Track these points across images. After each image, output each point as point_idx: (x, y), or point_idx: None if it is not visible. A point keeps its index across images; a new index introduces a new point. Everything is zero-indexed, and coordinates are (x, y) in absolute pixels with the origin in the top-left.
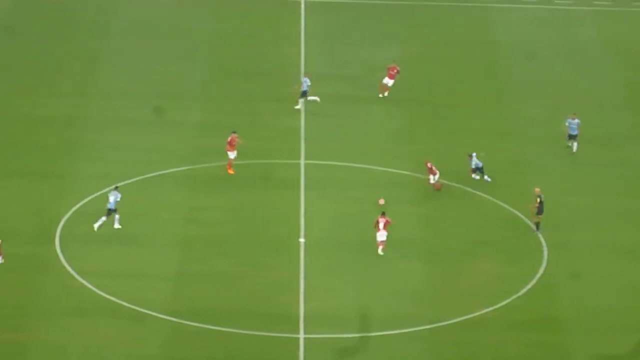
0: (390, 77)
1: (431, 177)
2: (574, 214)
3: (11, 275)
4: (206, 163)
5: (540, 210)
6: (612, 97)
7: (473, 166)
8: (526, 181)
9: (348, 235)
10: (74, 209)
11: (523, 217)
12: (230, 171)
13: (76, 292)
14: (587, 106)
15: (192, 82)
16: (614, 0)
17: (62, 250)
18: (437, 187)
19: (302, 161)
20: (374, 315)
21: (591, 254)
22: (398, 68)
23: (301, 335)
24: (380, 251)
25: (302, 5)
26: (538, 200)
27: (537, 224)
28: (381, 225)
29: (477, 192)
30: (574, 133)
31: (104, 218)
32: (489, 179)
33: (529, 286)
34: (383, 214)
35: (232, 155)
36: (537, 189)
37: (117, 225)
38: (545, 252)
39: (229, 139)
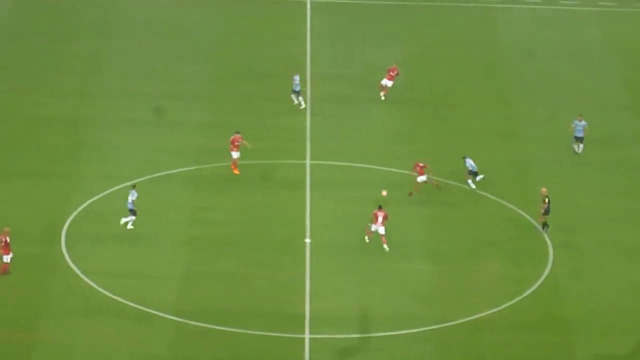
0: (390, 79)
1: (419, 176)
2: (579, 215)
3: (17, 275)
4: (212, 163)
5: (547, 211)
6: (616, 98)
7: (469, 168)
8: (530, 181)
9: (354, 236)
10: (79, 209)
11: (528, 217)
12: (236, 171)
13: (82, 292)
14: (591, 107)
15: (197, 83)
16: (619, 1)
17: (68, 250)
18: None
19: (308, 161)
20: (379, 315)
21: (597, 255)
22: (398, 70)
23: (307, 336)
24: (377, 242)
25: (308, 6)
26: (546, 200)
27: (545, 224)
28: (380, 219)
29: (481, 192)
30: (580, 135)
31: (132, 217)
32: (481, 177)
33: (534, 287)
34: (380, 207)
35: (235, 155)
36: (544, 189)
37: (128, 225)
38: (551, 253)
39: (231, 138)
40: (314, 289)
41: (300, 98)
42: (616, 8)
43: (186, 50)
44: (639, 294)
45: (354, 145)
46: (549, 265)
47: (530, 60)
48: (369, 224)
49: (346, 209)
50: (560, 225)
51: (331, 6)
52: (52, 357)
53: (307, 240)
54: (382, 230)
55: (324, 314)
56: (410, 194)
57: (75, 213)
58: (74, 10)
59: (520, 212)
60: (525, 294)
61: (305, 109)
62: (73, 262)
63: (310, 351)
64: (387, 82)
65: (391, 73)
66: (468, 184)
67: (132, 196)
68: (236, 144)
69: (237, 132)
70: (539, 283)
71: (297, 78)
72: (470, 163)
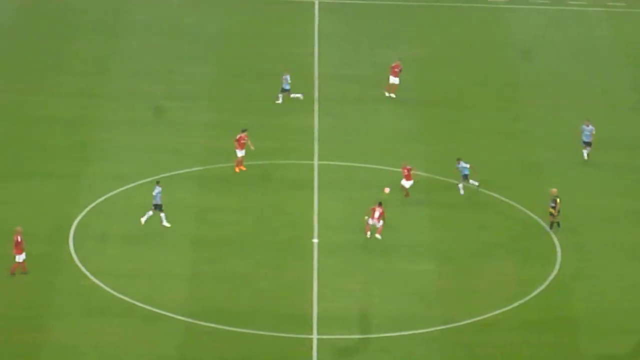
0: (395, 75)
1: (404, 181)
2: (587, 215)
3: (25, 275)
4: (219, 164)
5: (558, 211)
6: (625, 99)
7: (462, 172)
8: (537, 182)
9: (360, 237)
10: (87, 209)
11: (536, 217)
12: (237, 169)
13: (90, 292)
14: (600, 107)
15: (202, 83)
16: (628, 2)
17: (75, 250)
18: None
19: (316, 162)
20: (385, 316)
21: (605, 256)
22: (401, 66)
23: (314, 336)
24: (374, 235)
25: (316, 6)
26: (558, 200)
27: (556, 224)
28: (377, 214)
29: (489, 193)
30: (588, 140)
31: (150, 213)
32: (476, 184)
33: (541, 287)
34: (380, 204)
35: (240, 153)
36: (554, 190)
37: (143, 219)
38: (559, 254)
39: (238, 137)
40: (322, 289)
41: (292, 95)
42: (625, 9)
43: (192, 50)
44: None
45: (362, 145)
46: (557, 266)
47: (539, 60)
48: (366, 217)
49: (353, 210)
50: (568, 226)
51: (339, 6)
52: (59, 357)
53: (315, 241)
54: (378, 224)
55: (331, 315)
56: (407, 194)
57: (82, 213)
58: (78, 10)
59: (527, 212)
60: (532, 295)
61: (313, 109)
62: (80, 262)
63: (318, 351)
64: (393, 80)
65: (395, 70)
66: (458, 189)
67: (156, 191)
68: (242, 142)
69: (244, 131)
70: (546, 283)
71: (287, 77)
72: (463, 166)
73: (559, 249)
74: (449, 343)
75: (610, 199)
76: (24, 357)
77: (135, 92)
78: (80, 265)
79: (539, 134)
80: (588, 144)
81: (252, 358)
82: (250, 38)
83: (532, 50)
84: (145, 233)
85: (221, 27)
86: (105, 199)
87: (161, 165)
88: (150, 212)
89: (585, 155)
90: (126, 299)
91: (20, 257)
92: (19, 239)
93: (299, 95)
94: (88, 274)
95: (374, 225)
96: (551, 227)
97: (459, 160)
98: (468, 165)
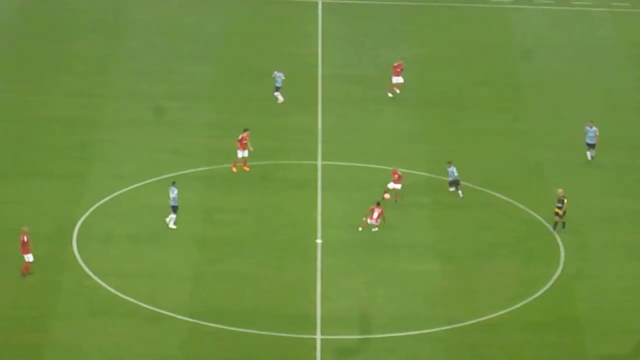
0: (397, 75)
1: (392, 184)
2: (588, 215)
3: (29, 276)
4: (222, 164)
5: (565, 211)
6: (628, 99)
7: (451, 177)
8: (541, 182)
9: (363, 237)
10: (91, 209)
11: (539, 217)
12: (234, 169)
13: (93, 293)
14: (602, 108)
15: (206, 83)
16: (632, 2)
17: (79, 251)
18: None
19: (319, 162)
20: (390, 316)
21: (606, 256)
22: (403, 65)
23: (318, 336)
24: (371, 230)
25: (319, 6)
26: (565, 201)
27: (561, 224)
28: (375, 215)
29: (492, 193)
30: (592, 142)
31: (172, 215)
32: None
33: (545, 287)
34: (378, 204)
35: (240, 154)
36: (560, 190)
37: (171, 226)
38: (563, 254)
39: (240, 137)
40: (326, 289)
41: (277, 94)
42: (630, 9)
43: (193, 50)
44: None
45: (365, 145)
46: (560, 267)
47: (541, 60)
48: (364, 219)
49: (355, 210)
50: (570, 226)
51: (342, 6)
52: (63, 357)
53: (319, 241)
54: (376, 224)
55: (335, 315)
56: (396, 200)
57: (86, 214)
58: (78, 10)
59: (530, 212)
60: (536, 295)
61: (316, 109)
62: (84, 262)
63: (322, 352)
64: (397, 79)
65: (397, 69)
66: (450, 190)
67: (172, 193)
68: (244, 142)
69: (245, 130)
70: (550, 284)
71: (281, 75)
72: (452, 171)
73: (562, 250)
74: (453, 343)
75: (611, 199)
76: (27, 357)
77: (136, 92)
78: (83, 265)
79: (540, 134)
80: (592, 145)
81: (256, 358)
82: (252, 38)
83: (534, 50)
84: (149, 233)
85: (222, 27)
86: (109, 200)
87: (162, 165)
88: (174, 215)
89: (589, 157)
90: (129, 299)
91: (29, 257)
92: (26, 239)
93: (278, 98)
94: (91, 274)
95: (371, 224)
96: (555, 227)
97: (450, 163)
98: (456, 171)
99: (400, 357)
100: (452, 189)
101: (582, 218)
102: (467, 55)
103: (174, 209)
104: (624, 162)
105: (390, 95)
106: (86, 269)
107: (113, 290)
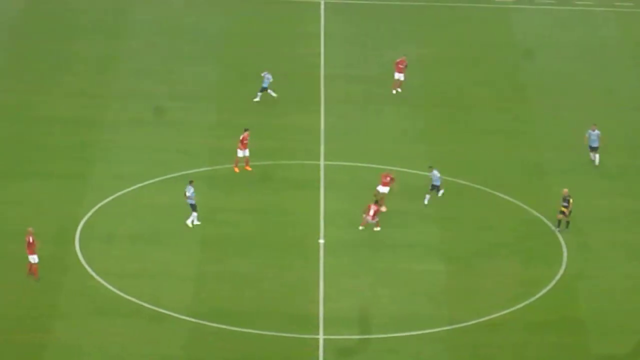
0: (400, 71)
1: (381, 187)
2: (590, 215)
3: (31, 276)
4: (224, 164)
5: (570, 211)
6: (630, 99)
7: (433, 182)
8: (541, 182)
9: (367, 237)
10: (93, 209)
11: (541, 217)
12: (236, 169)
13: (95, 293)
14: (604, 108)
15: (209, 83)
16: (635, 2)
17: (81, 251)
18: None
19: (322, 162)
20: (391, 316)
21: (608, 256)
22: (406, 62)
23: (321, 337)
24: (373, 229)
25: (322, 6)
26: (571, 200)
27: (565, 223)
28: (372, 212)
29: (494, 193)
30: (595, 145)
31: (194, 214)
32: (442, 191)
33: (547, 288)
34: (376, 202)
35: (240, 153)
36: (565, 190)
37: (195, 223)
38: (565, 254)
39: (241, 137)
40: (328, 289)
41: (260, 93)
42: (633, 8)
43: (193, 50)
44: None
45: (368, 145)
46: (563, 267)
47: (544, 60)
48: (364, 216)
49: (358, 210)
50: (573, 226)
51: (345, 6)
52: (65, 358)
53: (321, 241)
54: (373, 221)
55: (338, 315)
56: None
57: (88, 214)
58: (78, 10)
59: (532, 212)
60: (538, 295)
61: (319, 109)
62: (86, 262)
63: (324, 352)
64: (399, 76)
65: (400, 65)
66: (424, 197)
67: (189, 192)
68: (245, 142)
69: (246, 130)
70: (552, 284)
71: (269, 76)
72: (435, 175)
73: (565, 249)
74: (455, 343)
75: (612, 198)
76: (28, 357)
77: (136, 92)
78: (86, 265)
79: (541, 134)
80: (595, 149)
81: (258, 358)
82: (253, 38)
83: (536, 50)
84: (151, 233)
85: (223, 27)
86: (111, 200)
87: (164, 165)
88: (195, 214)
89: (596, 161)
90: (131, 299)
91: (34, 258)
92: (31, 240)
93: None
94: (94, 274)
95: (372, 224)
96: (559, 225)
97: (431, 168)
98: (439, 176)
99: (402, 357)
100: (433, 191)
101: (584, 218)
102: (469, 55)
103: (193, 207)
104: (626, 162)
105: (394, 92)
106: (88, 269)
107: (115, 290)
